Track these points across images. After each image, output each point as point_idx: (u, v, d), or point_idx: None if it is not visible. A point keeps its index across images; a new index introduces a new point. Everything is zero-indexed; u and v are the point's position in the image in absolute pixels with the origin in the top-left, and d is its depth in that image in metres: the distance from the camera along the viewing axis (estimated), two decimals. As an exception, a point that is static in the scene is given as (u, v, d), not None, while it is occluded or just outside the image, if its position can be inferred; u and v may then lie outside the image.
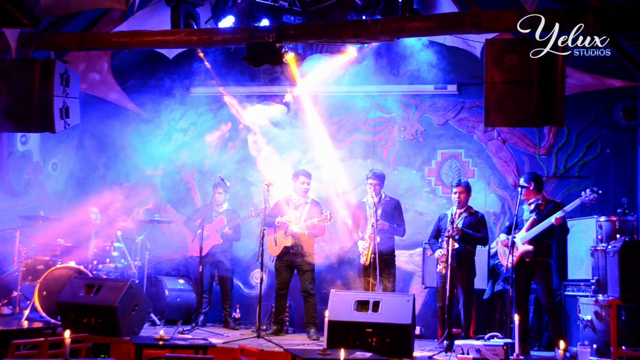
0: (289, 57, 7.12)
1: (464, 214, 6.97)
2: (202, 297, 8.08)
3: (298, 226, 7.42)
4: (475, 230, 6.91)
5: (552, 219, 6.43)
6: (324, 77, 8.43)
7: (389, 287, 7.18)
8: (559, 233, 6.68)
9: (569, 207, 6.46)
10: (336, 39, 6.36)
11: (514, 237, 6.67)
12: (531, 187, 6.72)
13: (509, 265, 6.56)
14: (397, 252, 7.48)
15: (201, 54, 8.48)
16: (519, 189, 6.70)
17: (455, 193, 6.99)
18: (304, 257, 7.50)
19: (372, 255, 6.98)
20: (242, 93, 9.28)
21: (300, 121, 8.85)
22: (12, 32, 6.11)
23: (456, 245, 6.72)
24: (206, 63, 8.64)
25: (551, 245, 6.69)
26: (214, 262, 8.12)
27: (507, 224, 6.99)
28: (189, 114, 9.53)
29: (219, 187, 8.08)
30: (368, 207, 7.27)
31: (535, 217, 6.62)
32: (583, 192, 6.42)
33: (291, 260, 7.53)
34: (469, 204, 7.08)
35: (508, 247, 6.57)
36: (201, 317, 7.97)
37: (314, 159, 8.76)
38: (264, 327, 7.51)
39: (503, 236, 6.84)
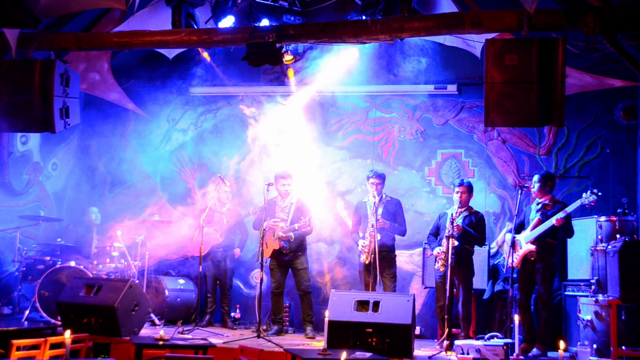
0: (287, 58, 7.13)
1: (465, 213, 6.98)
2: (207, 297, 8.11)
3: (283, 230, 7.48)
4: (474, 229, 6.92)
5: (553, 220, 6.44)
6: (324, 77, 8.44)
7: (390, 287, 7.19)
8: (562, 234, 6.69)
9: (569, 209, 6.46)
10: (336, 39, 6.35)
11: (514, 237, 6.70)
12: (545, 187, 6.73)
13: (510, 264, 6.58)
14: (397, 252, 7.49)
15: (205, 54, 8.45)
16: (534, 186, 6.75)
17: (457, 192, 7.00)
18: (297, 257, 7.57)
19: (372, 255, 6.99)
20: (242, 93, 9.28)
21: (300, 121, 8.85)
22: (12, 32, 6.09)
23: (455, 243, 6.74)
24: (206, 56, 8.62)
25: (555, 246, 6.69)
26: (214, 262, 8.13)
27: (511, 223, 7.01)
28: (189, 114, 9.54)
29: (219, 187, 8.09)
30: (369, 207, 7.27)
31: (540, 217, 6.63)
32: (584, 194, 6.42)
33: (284, 260, 7.59)
34: (470, 204, 7.09)
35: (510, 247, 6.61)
36: (207, 317, 8.05)
37: (314, 159, 8.76)
38: (264, 327, 7.52)
39: (509, 236, 6.86)
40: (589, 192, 6.39)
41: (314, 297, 7.88)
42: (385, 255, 7.15)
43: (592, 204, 6.41)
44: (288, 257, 7.56)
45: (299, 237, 7.55)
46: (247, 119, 9.26)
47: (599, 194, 6.39)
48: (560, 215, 6.42)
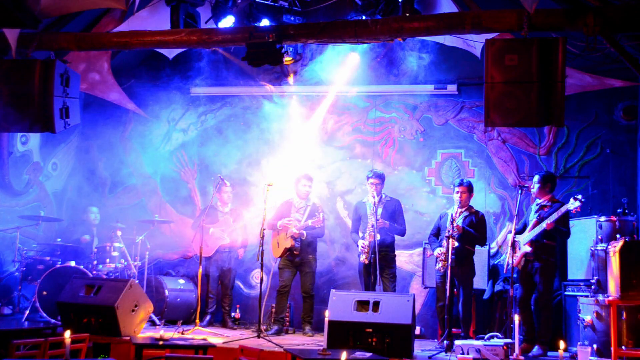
0: (287, 59, 7.14)
1: (465, 213, 6.98)
2: (208, 297, 8.13)
3: (296, 227, 7.51)
4: (474, 229, 6.92)
5: (543, 224, 6.45)
6: (325, 77, 8.44)
7: (390, 288, 7.20)
8: (559, 239, 6.70)
9: (554, 217, 6.43)
10: (336, 39, 6.35)
11: (515, 237, 6.71)
12: (544, 187, 6.72)
13: (511, 264, 6.59)
14: (397, 252, 7.49)
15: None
16: (534, 186, 6.75)
17: (457, 192, 7.00)
18: (307, 259, 7.65)
19: (372, 255, 7.01)
20: (242, 93, 9.29)
21: (300, 121, 8.85)
22: (12, 32, 6.10)
23: (456, 244, 6.74)
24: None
25: (553, 246, 6.67)
26: (218, 262, 8.14)
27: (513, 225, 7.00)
28: (189, 114, 9.54)
29: (220, 187, 8.10)
30: (368, 207, 7.28)
31: (536, 218, 6.64)
32: (571, 199, 6.40)
33: (295, 261, 7.65)
34: (470, 204, 7.09)
35: (510, 247, 6.63)
36: (207, 317, 8.06)
37: (314, 159, 8.77)
38: (264, 327, 7.53)
39: (510, 236, 6.86)
40: (572, 199, 6.38)
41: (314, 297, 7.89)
42: (385, 255, 7.16)
43: (578, 209, 6.40)
44: (299, 257, 7.61)
45: (310, 236, 7.60)
46: (249, 118, 9.27)
47: (583, 200, 6.38)
48: (549, 221, 6.42)
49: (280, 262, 7.74)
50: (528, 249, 6.59)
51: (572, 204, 6.35)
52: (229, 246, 8.14)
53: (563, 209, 6.41)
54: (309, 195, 7.84)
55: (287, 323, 8.13)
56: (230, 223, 8.15)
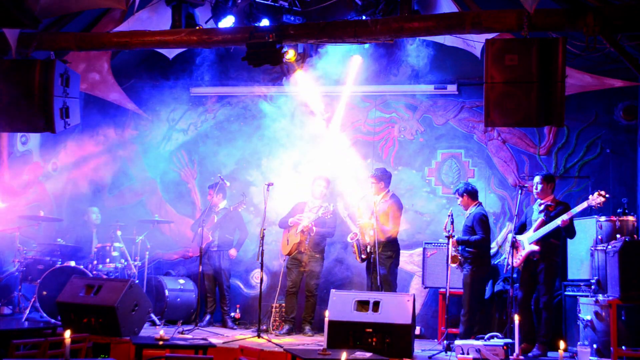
0: (290, 55, 7.13)
1: (467, 215, 7.07)
2: (207, 297, 8.15)
3: (306, 220, 7.62)
4: (471, 232, 6.94)
5: (558, 221, 6.44)
6: (325, 77, 8.43)
7: (385, 288, 7.19)
8: (565, 235, 6.70)
9: (575, 210, 6.43)
10: (336, 39, 6.36)
11: (515, 237, 6.71)
12: (547, 187, 6.73)
13: (511, 264, 6.59)
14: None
15: None
16: (537, 187, 6.76)
17: (457, 199, 7.21)
18: (314, 258, 7.69)
19: (362, 255, 7.18)
20: (242, 93, 9.29)
21: (300, 121, 8.84)
22: (12, 32, 6.10)
23: (458, 247, 6.87)
24: None
25: (558, 246, 6.69)
26: (210, 261, 8.14)
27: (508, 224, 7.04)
28: (189, 114, 9.54)
29: (217, 188, 8.10)
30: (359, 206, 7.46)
31: (543, 217, 6.63)
32: (590, 195, 6.39)
33: (302, 260, 7.70)
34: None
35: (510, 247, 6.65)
36: (207, 317, 8.08)
37: (314, 159, 8.76)
38: (264, 328, 7.53)
39: (510, 236, 6.89)
40: (596, 193, 6.35)
41: (313, 297, 7.91)
42: (378, 255, 7.15)
43: (600, 205, 6.38)
44: (306, 255, 7.69)
45: (320, 233, 7.66)
46: (249, 117, 9.26)
47: (607, 196, 6.35)
48: (565, 217, 6.40)
49: (288, 262, 7.79)
50: (535, 247, 6.57)
51: (595, 199, 6.31)
52: (217, 245, 8.13)
53: (584, 205, 6.39)
54: (324, 197, 7.88)
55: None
56: (214, 221, 8.16)
